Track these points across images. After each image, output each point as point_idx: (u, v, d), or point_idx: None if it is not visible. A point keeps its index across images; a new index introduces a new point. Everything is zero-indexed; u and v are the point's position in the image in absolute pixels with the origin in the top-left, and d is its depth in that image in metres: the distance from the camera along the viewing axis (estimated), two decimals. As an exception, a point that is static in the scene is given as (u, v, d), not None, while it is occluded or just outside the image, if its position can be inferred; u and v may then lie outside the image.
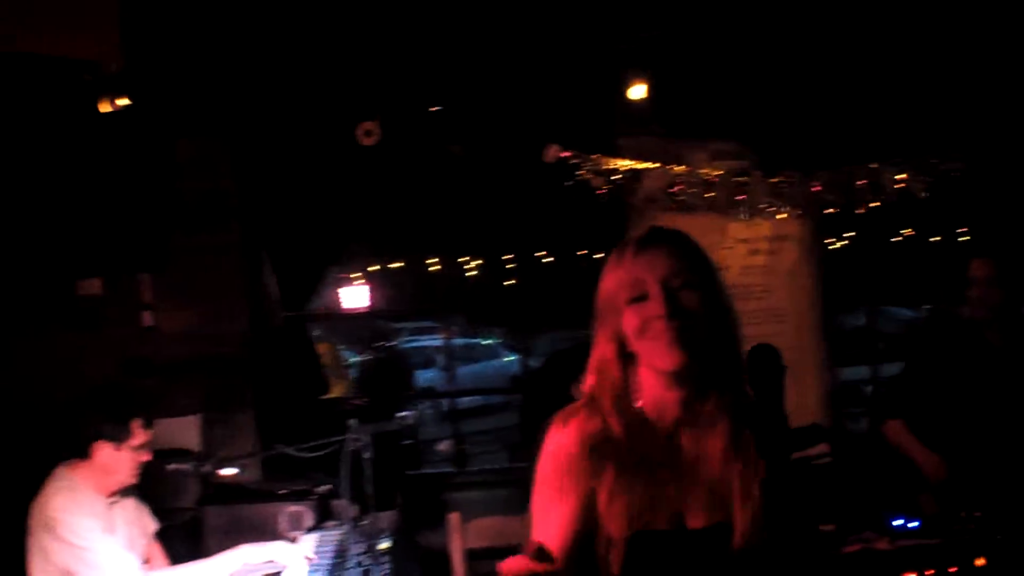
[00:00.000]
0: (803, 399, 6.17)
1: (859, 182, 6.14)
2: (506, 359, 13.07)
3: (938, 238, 7.17)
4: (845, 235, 6.75)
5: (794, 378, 6.17)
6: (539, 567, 2.02)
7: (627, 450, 2.07)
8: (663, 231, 2.19)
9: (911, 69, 5.97)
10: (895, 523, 4.04)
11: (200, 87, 5.30)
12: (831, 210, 6.26)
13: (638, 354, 2.09)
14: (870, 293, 7.83)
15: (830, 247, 6.71)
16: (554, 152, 5.99)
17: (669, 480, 2.06)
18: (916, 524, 4.07)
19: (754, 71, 6.03)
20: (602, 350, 2.13)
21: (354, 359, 11.10)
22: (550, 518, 2.08)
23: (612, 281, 2.12)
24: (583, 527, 2.06)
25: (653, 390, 2.10)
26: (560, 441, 2.13)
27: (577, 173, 6.00)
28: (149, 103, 4.71)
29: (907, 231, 7.16)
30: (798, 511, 2.13)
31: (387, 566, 3.60)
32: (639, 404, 2.12)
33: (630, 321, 2.06)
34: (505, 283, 7.53)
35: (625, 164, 6.07)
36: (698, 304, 2.05)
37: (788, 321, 6.32)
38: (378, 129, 5.74)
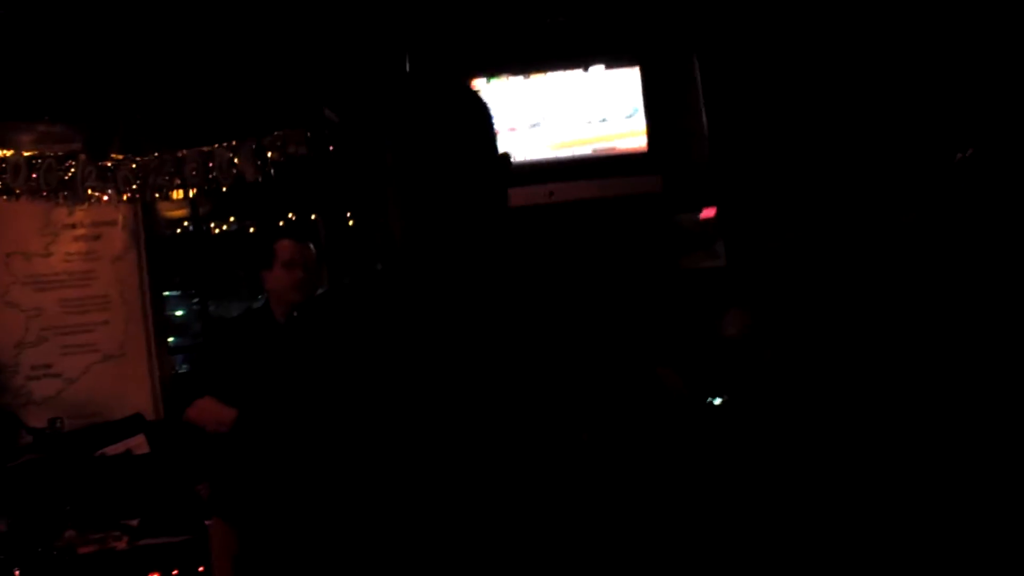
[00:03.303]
0: (132, 388, 6.05)
1: (191, 164, 6.08)
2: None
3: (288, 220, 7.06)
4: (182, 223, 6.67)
5: (123, 368, 6.11)
6: None
7: None
8: None
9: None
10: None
11: None
12: (159, 194, 6.07)
13: None
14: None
15: (167, 233, 6.54)
16: None
17: None
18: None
19: (91, 54, 5.80)
20: None
21: None
22: None
23: None
24: None
25: None
26: None
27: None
28: None
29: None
30: None
31: None
32: None
33: None
34: None
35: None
36: None
37: (115, 309, 6.10)
38: None
